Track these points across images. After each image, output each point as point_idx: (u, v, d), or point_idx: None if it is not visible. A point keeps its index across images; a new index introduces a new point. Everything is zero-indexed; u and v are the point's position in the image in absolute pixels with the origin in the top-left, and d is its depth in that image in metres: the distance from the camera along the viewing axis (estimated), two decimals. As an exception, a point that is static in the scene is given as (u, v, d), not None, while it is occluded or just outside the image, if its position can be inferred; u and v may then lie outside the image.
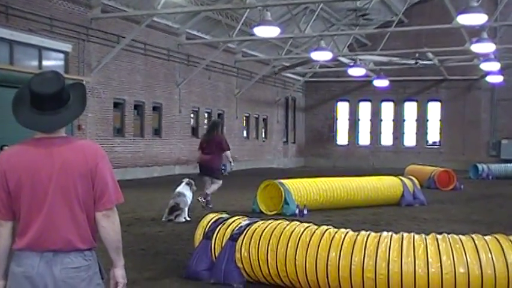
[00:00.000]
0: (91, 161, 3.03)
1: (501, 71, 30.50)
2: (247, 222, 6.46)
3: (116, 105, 22.10)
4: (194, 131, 27.39)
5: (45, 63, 18.50)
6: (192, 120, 27.29)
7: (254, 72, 31.27)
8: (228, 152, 13.15)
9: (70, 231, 2.99)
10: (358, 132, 38.70)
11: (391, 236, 5.72)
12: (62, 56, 19.34)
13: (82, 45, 19.98)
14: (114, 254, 3.15)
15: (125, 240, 9.23)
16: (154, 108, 24.32)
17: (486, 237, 5.59)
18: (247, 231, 6.26)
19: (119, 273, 3.17)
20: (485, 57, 27.15)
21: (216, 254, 6.35)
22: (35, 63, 18.26)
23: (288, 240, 5.94)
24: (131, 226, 10.43)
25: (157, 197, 15.42)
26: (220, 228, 6.46)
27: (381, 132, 38.10)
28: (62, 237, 2.97)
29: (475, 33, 23.55)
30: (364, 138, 38.66)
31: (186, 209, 11.24)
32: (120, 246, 3.17)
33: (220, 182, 13.12)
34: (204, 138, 13.59)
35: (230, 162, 13.41)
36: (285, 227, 6.15)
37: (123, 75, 22.20)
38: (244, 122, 32.26)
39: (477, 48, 22.48)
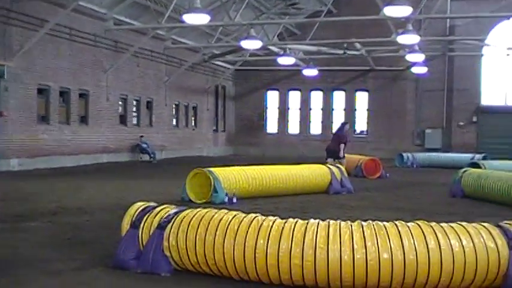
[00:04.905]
0: None
1: (425, 62, 31.45)
2: (175, 210, 6.42)
3: (40, 91, 21.49)
4: (122, 118, 26.98)
5: (-37, 46, 17.79)
6: (120, 108, 26.87)
7: (184, 60, 31.03)
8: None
9: None
10: (287, 121, 39.10)
11: (318, 223, 5.82)
12: (-19, 39, 18.64)
13: (3, 29, 19.30)
14: None
15: (50, 230, 9.01)
16: (80, 95, 23.79)
17: (409, 224, 5.78)
18: (175, 220, 6.23)
19: None
20: (411, 49, 27.90)
21: (144, 243, 6.30)
22: (-48, 46, 17.52)
23: (216, 229, 5.95)
24: (56, 215, 10.19)
25: (85, 185, 15.13)
26: (148, 217, 6.41)
27: (310, 121, 38.63)
28: None
29: (401, 25, 24.16)
30: (293, 127, 39.09)
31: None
32: None
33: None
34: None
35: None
36: (213, 215, 6.16)
37: (47, 60, 21.59)
38: (174, 110, 32.02)
39: (403, 39, 23.08)
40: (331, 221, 5.87)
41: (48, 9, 21.00)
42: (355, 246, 5.50)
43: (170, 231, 6.16)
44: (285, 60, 30.35)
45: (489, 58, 34.86)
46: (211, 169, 12.69)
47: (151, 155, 27.13)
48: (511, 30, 33.04)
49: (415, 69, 32.60)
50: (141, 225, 6.37)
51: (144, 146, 27.29)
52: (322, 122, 38.26)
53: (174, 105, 31.86)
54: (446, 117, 35.50)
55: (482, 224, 5.87)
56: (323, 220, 5.95)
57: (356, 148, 30.77)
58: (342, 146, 18.07)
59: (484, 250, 5.51)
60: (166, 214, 6.35)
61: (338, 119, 37.90)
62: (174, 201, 10.63)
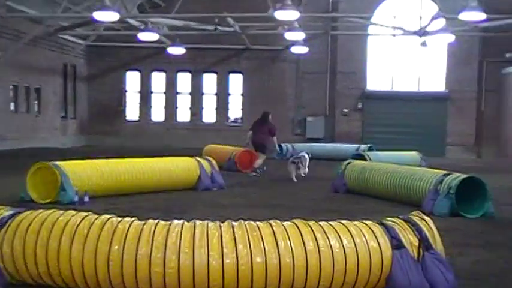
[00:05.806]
0: None
1: (306, 42, 32.28)
2: (10, 212, 6.23)
3: None
4: None
5: None
6: None
7: (23, 32, 29.84)
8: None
9: None
10: (150, 107, 38.81)
11: (183, 224, 5.84)
12: None
13: None
14: None
15: None
16: None
17: (285, 223, 5.92)
18: (10, 224, 6.04)
19: None
20: (290, 26, 28.51)
21: (-29, 253, 6.04)
22: None
23: (62, 233, 5.83)
24: None
25: None
26: (-24, 222, 6.15)
27: (176, 107, 38.56)
28: None
29: (279, -1, 24.60)
30: (157, 114, 38.88)
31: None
32: None
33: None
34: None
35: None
36: (58, 218, 6.02)
37: None
38: (12, 92, 30.78)
39: (280, 15, 23.52)
40: (198, 222, 5.91)
41: None
42: (225, 249, 5.56)
43: (4, 237, 5.96)
44: (147, 36, 30.00)
45: (374, 39, 36.31)
46: (58, 163, 12.41)
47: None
48: (397, 8, 34.68)
49: (294, 49, 33.35)
50: (-33, 231, 6.10)
51: (-25, 135, 26.10)
52: (190, 108, 38.32)
53: (11, 87, 30.62)
54: (329, 103, 36.64)
55: (365, 222, 6.13)
56: (188, 221, 5.96)
57: (230, 138, 31.10)
58: (275, 139, 19.23)
59: (366, 250, 5.77)
60: (0, 217, 6.13)
61: (209, 104, 38.22)
62: (11, 201, 10.25)
